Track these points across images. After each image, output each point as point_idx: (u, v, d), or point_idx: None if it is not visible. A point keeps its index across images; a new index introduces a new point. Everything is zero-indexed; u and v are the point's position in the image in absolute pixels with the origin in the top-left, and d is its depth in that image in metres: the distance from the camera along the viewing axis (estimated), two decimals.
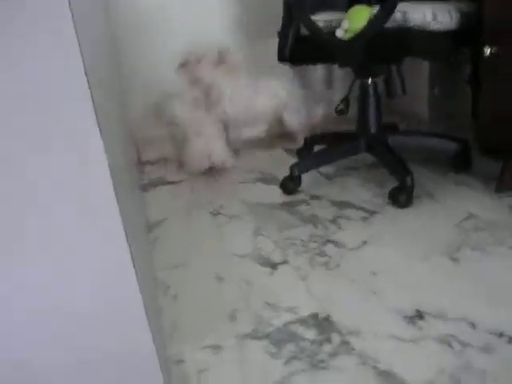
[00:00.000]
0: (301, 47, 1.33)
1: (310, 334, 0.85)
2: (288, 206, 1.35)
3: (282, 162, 1.75)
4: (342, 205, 1.31)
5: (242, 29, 2.04)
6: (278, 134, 1.99)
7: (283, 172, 1.46)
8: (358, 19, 1.10)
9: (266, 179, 1.58)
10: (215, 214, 1.36)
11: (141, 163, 2.01)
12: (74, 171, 0.51)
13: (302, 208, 1.32)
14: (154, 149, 2.07)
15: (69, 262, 0.55)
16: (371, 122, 1.43)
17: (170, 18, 1.92)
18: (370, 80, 1.40)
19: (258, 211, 1.34)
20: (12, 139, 0.47)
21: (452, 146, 1.45)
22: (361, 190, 1.40)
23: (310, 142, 1.72)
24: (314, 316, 0.90)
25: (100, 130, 0.50)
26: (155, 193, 1.62)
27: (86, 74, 0.48)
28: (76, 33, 0.46)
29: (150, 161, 2.03)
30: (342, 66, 1.28)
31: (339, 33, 1.14)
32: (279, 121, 1.92)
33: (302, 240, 1.15)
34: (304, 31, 1.31)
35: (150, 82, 2.00)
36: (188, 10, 1.94)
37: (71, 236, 0.54)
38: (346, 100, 1.37)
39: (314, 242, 1.13)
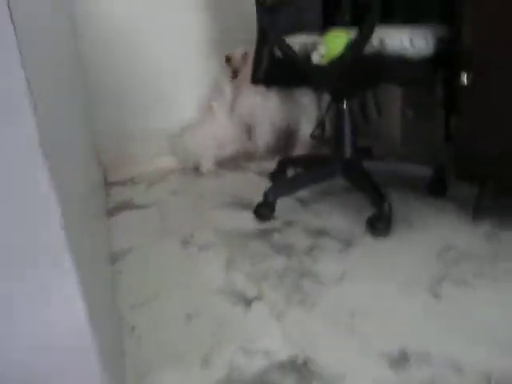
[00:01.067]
0: (275, 70, 1.29)
1: (289, 381, 0.79)
2: (262, 235, 1.29)
3: (254, 185, 1.70)
4: (318, 233, 1.26)
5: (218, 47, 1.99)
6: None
7: (256, 195, 1.40)
8: (334, 45, 1.07)
9: (239, 203, 1.52)
10: (185, 242, 1.29)
11: (107, 184, 1.92)
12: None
13: (277, 237, 1.27)
14: (122, 168, 1.98)
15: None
16: (346, 146, 1.40)
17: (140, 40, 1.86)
18: (345, 103, 1.36)
19: (230, 240, 1.28)
20: None
21: (428, 171, 1.43)
22: (337, 217, 1.35)
23: (283, 164, 1.67)
24: (292, 361, 0.84)
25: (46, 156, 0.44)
26: (121, 218, 1.53)
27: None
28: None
29: (118, 182, 1.95)
30: (317, 90, 1.24)
31: (315, 57, 1.10)
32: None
33: (276, 273, 1.09)
34: (279, 53, 1.27)
35: (118, 101, 1.93)
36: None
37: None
38: (321, 124, 1.33)
39: (290, 275, 1.07)
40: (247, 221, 1.38)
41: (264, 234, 1.29)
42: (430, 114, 2.07)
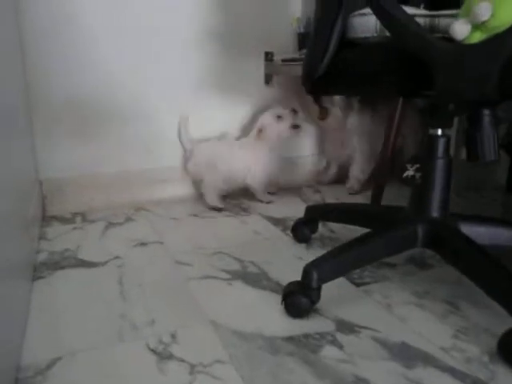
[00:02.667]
0: (346, 64, 0.75)
1: None
2: (303, 348, 0.71)
3: (266, 239, 1.14)
4: (407, 353, 0.69)
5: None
6: None
7: (274, 259, 0.84)
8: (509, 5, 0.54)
9: (248, 275, 0.95)
10: (161, 354, 0.70)
11: (45, 221, 1.31)
12: None
13: (331, 354, 0.69)
14: (71, 197, 1.38)
15: None
16: (435, 198, 0.86)
17: None
18: (440, 131, 0.84)
19: (243, 354, 0.69)
20: None
21: None
22: (422, 317, 0.80)
23: (313, 214, 1.12)
24: None
25: None
26: (53, 286, 0.93)
27: None
28: None
29: (61, 217, 1.34)
30: (447, 99, 0.70)
31: (460, 28, 0.56)
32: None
33: None
34: (353, 35, 0.74)
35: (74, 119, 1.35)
36: None
37: None
38: (416, 160, 0.79)
39: None
40: (269, 312, 0.81)
41: (308, 348, 0.71)
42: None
